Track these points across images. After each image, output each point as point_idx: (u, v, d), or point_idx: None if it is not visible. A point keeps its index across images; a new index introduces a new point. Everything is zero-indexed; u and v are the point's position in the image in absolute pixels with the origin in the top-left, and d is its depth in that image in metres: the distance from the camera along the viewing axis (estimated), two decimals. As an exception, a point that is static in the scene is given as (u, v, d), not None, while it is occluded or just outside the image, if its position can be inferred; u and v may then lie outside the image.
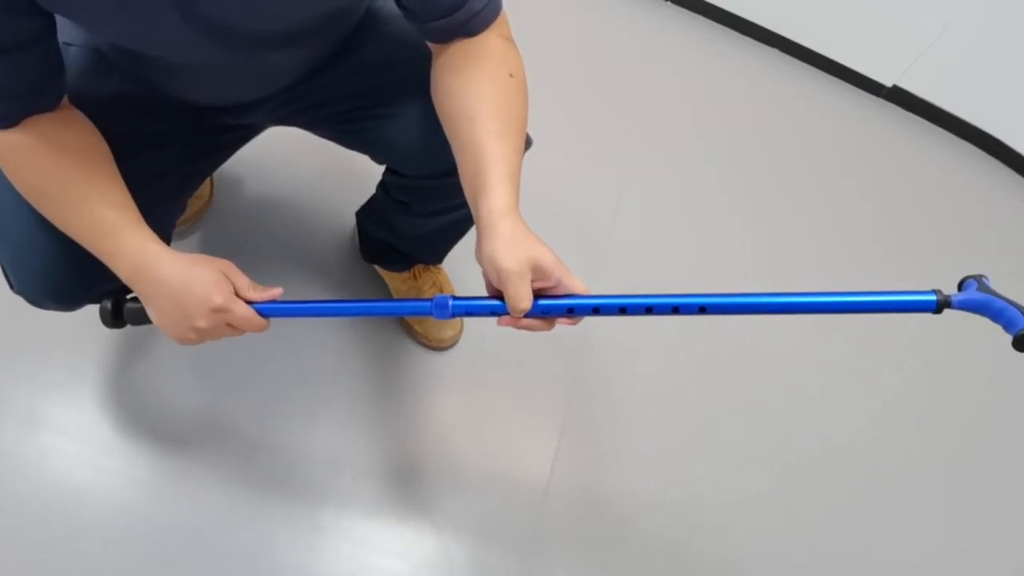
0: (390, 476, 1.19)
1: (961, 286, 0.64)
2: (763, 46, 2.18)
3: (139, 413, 1.17)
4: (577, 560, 1.19)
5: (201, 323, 0.70)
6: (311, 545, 1.11)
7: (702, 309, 0.65)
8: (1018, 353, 0.57)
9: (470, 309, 0.69)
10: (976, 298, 0.61)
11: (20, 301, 0.84)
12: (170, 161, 0.79)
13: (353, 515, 1.15)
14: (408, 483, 1.19)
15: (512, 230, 0.65)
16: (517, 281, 0.63)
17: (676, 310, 0.66)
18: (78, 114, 0.73)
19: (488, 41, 0.74)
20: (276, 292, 0.74)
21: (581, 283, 0.66)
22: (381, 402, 1.26)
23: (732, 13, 2.16)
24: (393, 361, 1.31)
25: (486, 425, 1.28)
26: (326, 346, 1.29)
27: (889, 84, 2.11)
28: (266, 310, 0.73)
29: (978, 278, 0.63)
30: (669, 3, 2.20)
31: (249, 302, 0.72)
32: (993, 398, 1.56)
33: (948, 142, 2.11)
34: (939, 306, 0.62)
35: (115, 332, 1.21)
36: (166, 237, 0.86)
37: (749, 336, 1.50)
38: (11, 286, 0.83)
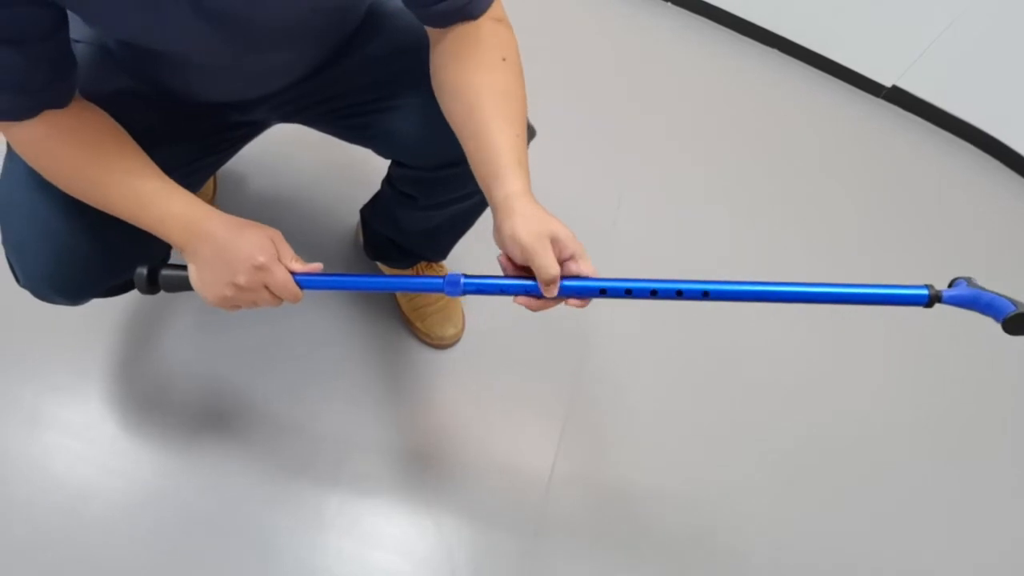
0: (391, 474, 1.20)
1: (951, 285, 0.68)
2: (763, 46, 2.19)
3: (142, 412, 1.17)
4: (579, 556, 1.19)
5: (241, 279, 0.70)
6: (313, 542, 1.11)
7: (705, 294, 0.68)
8: (1009, 344, 0.60)
9: (481, 287, 0.71)
10: (965, 293, 0.66)
11: (25, 300, 0.84)
12: (176, 158, 0.80)
13: (355, 512, 1.15)
14: (409, 481, 1.20)
15: (529, 208, 0.68)
16: (541, 251, 0.66)
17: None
18: (90, 104, 0.73)
19: (481, 26, 0.75)
20: (317, 267, 0.75)
21: (591, 265, 0.69)
22: (382, 401, 1.27)
23: (731, 13, 2.17)
24: (395, 360, 1.31)
25: (487, 423, 1.29)
26: (327, 346, 1.29)
27: (888, 84, 2.12)
28: (303, 282, 0.74)
29: (967, 279, 0.67)
30: (669, 3, 2.21)
31: (290, 272, 0.73)
32: (986, 387, 1.57)
33: (947, 142, 2.11)
34: (931, 300, 0.66)
35: (118, 331, 1.23)
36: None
37: (750, 328, 1.51)
38: (17, 280, 0.83)
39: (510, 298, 0.72)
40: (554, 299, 0.69)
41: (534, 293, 0.69)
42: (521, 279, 0.70)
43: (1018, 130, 2.02)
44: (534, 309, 0.70)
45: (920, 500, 1.39)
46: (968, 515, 1.40)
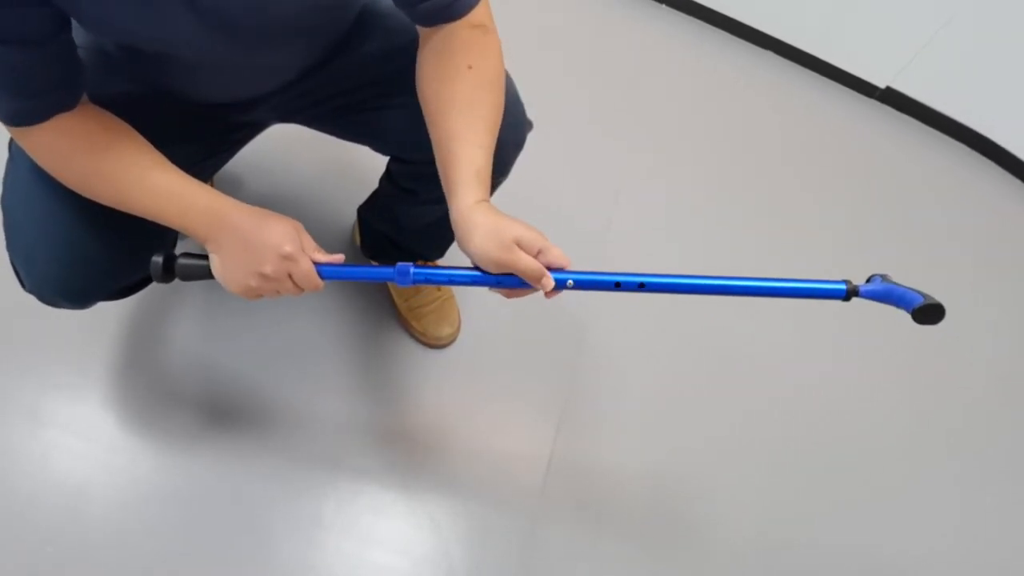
0: (389, 473, 1.21)
1: (868, 281, 0.71)
2: (757, 48, 2.20)
3: (143, 412, 1.18)
4: (576, 551, 1.20)
5: (267, 268, 0.71)
6: (312, 541, 1.12)
7: (641, 285, 0.72)
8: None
9: (430, 277, 0.74)
10: (879, 288, 0.69)
11: (26, 299, 0.85)
12: (177, 160, 0.81)
13: (353, 511, 1.16)
14: (407, 479, 1.21)
15: (484, 220, 0.70)
16: (513, 259, 0.68)
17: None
18: (97, 106, 0.74)
19: (457, 32, 0.76)
20: (339, 257, 0.76)
21: (559, 251, 0.71)
22: (379, 401, 1.27)
23: (725, 15, 2.18)
24: (392, 360, 1.32)
25: (484, 421, 1.30)
26: (324, 346, 1.30)
27: (882, 85, 2.13)
28: (325, 272, 0.75)
29: (883, 275, 0.71)
30: (663, 5, 2.22)
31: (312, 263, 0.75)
32: (978, 386, 1.59)
33: (941, 143, 2.12)
34: (848, 294, 0.70)
35: (118, 331, 1.23)
36: (171, 236, 0.88)
37: (743, 320, 1.52)
38: (23, 285, 0.84)
39: (502, 297, 0.75)
40: (530, 289, 0.72)
41: (481, 282, 0.72)
42: (468, 269, 0.73)
43: (1011, 130, 2.03)
44: (508, 297, 0.73)
45: (917, 499, 1.40)
46: (964, 513, 1.41)
